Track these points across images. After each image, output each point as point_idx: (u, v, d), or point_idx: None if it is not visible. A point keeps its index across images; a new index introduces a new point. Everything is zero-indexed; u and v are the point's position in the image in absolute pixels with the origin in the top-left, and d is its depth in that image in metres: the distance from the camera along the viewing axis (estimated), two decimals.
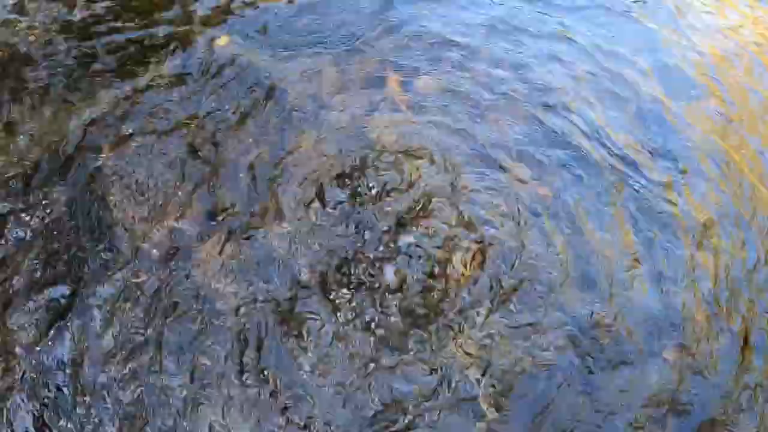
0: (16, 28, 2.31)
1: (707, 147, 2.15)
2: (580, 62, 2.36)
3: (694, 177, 2.05)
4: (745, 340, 1.74)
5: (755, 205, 1.99)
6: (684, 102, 2.30)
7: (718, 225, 1.93)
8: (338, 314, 1.66)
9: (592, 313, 1.73)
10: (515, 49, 2.35)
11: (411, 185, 1.88)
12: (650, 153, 2.10)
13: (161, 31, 2.28)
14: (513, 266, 1.77)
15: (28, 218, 1.75)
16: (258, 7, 2.39)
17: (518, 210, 1.86)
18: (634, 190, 1.97)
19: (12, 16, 2.35)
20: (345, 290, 1.70)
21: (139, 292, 1.66)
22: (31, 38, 2.27)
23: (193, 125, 1.96)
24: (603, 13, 2.61)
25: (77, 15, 2.36)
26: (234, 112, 2.01)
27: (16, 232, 1.73)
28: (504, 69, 2.27)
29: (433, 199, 1.85)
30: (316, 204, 1.83)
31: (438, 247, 1.78)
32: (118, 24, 2.31)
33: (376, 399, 1.56)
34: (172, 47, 2.21)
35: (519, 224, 1.84)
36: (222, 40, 2.22)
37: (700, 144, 2.15)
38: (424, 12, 2.44)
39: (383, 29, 2.33)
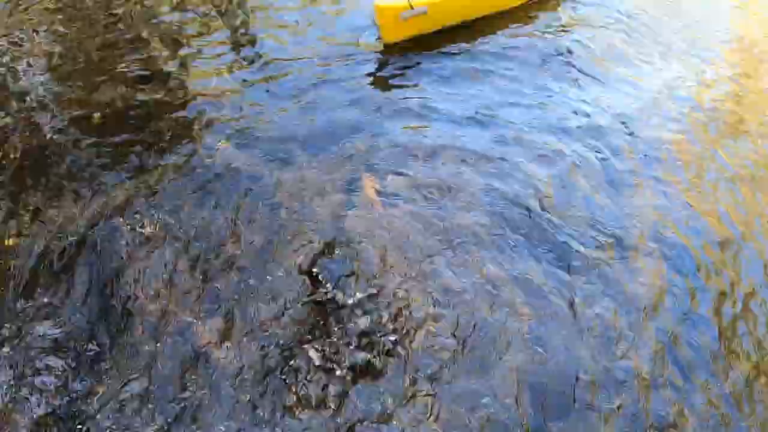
0: (40, 127, 2.59)
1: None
2: (533, 153, 2.66)
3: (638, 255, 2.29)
4: None
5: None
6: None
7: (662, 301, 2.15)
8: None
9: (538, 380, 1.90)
10: (473, 148, 2.65)
11: (381, 268, 2.10)
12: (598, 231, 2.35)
13: (168, 134, 2.59)
14: (468, 337, 1.96)
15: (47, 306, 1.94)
16: (255, 115, 2.72)
17: (474, 287, 2.08)
18: (580, 266, 2.20)
19: (35, 115, 2.65)
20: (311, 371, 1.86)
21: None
22: (56, 136, 2.54)
23: (197, 221, 2.20)
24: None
25: (95, 117, 2.65)
26: (231, 209, 2.26)
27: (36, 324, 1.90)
28: (463, 164, 2.56)
29: (400, 281, 2.06)
30: (303, 284, 2.03)
31: (401, 325, 1.97)
32: (130, 124, 2.63)
33: None
34: (179, 148, 2.50)
35: (476, 299, 2.05)
36: (223, 143, 2.51)
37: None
38: (397, 124, 2.75)
39: (362, 136, 2.64)
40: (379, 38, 3.11)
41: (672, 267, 2.28)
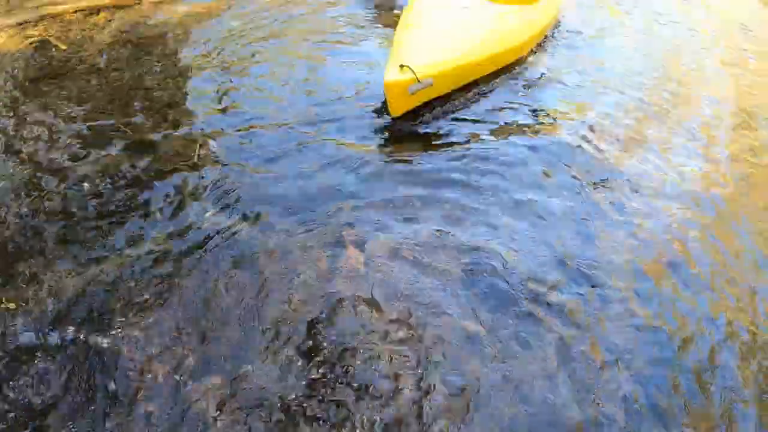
0: (32, 193, 2.71)
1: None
2: (516, 223, 2.78)
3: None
4: None
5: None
6: None
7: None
8: None
9: None
10: (455, 216, 2.78)
11: (364, 331, 2.19)
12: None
13: (156, 202, 2.70)
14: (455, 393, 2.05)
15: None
16: (240, 180, 2.85)
17: (449, 346, 2.17)
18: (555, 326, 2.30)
19: (28, 190, 2.76)
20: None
21: None
22: (47, 203, 2.66)
23: (185, 287, 2.29)
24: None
25: (85, 187, 2.76)
26: (218, 275, 2.35)
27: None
28: (443, 226, 2.70)
29: (381, 342, 2.15)
30: (287, 348, 2.11)
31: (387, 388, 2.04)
32: (120, 193, 2.74)
33: None
34: (168, 216, 2.62)
35: (453, 358, 2.14)
36: (210, 212, 2.63)
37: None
38: (378, 184, 2.91)
39: (345, 198, 2.78)
40: (386, 113, 3.23)
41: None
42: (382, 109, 3.38)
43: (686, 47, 5.07)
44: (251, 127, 3.25)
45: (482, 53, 3.53)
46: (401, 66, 3.03)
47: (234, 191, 2.75)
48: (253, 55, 4.06)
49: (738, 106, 4.10)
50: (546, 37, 4.47)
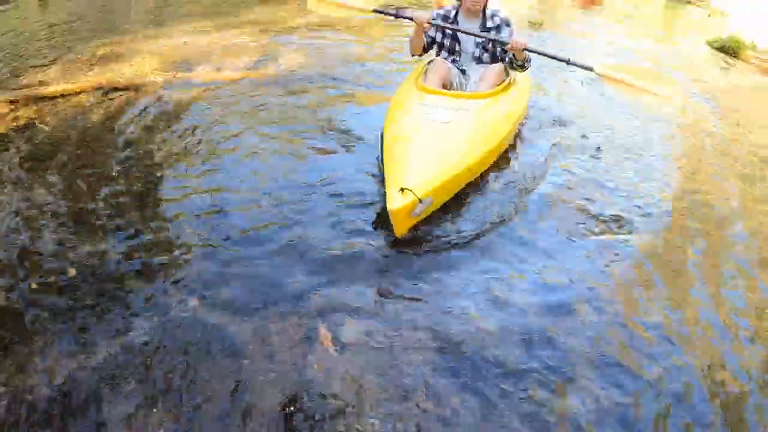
0: (20, 278, 2.79)
1: None
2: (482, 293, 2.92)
3: None
4: None
5: None
6: None
7: None
8: None
9: None
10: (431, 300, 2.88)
11: (339, 414, 2.24)
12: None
13: (139, 291, 2.78)
14: None
15: None
16: (221, 271, 2.94)
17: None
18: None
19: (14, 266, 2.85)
20: None
21: None
22: (34, 287, 2.74)
23: (171, 376, 2.35)
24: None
25: (70, 272, 2.85)
26: (201, 363, 2.42)
27: None
28: (410, 310, 2.80)
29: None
30: None
31: None
32: (103, 280, 2.82)
33: None
34: (149, 304, 2.69)
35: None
36: (193, 302, 2.69)
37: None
38: (353, 271, 3.01)
39: (316, 286, 2.87)
40: (393, 237, 3.22)
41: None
42: (357, 201, 3.53)
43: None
44: (235, 220, 3.37)
45: (471, 156, 3.62)
46: (402, 189, 3.03)
47: (215, 280, 2.83)
48: (233, 141, 4.26)
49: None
50: (522, 124, 4.69)
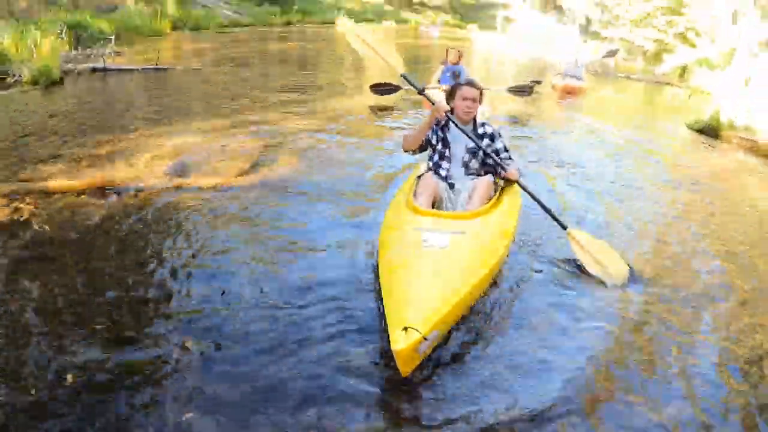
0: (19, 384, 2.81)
1: None
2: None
3: None
4: None
5: None
6: None
7: None
8: None
9: None
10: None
11: None
12: None
13: (136, 399, 2.81)
14: None
15: None
16: (216, 381, 2.97)
17: None
18: None
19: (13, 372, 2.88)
20: None
21: None
22: (33, 390, 2.75)
23: None
24: None
25: (69, 378, 2.88)
26: None
27: None
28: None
29: None
30: None
31: None
32: (101, 388, 2.84)
33: None
34: (141, 420, 2.72)
35: None
36: (187, 414, 2.74)
37: None
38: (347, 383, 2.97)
39: (313, 399, 2.85)
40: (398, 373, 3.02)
41: None
42: (354, 329, 3.47)
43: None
44: (214, 316, 3.47)
45: (472, 280, 3.51)
46: (405, 329, 2.87)
47: (211, 391, 2.89)
48: (225, 247, 4.39)
49: None
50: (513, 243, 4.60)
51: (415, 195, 4.33)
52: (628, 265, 4.39)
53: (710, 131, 11.29)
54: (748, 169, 9.24)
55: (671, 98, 18.08)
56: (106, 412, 2.71)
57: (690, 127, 11.74)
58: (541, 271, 4.39)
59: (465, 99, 4.45)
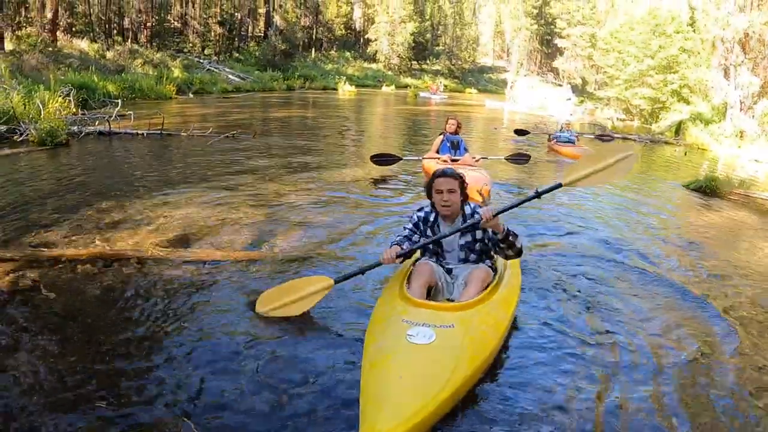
0: None
1: None
2: None
3: None
4: None
5: None
6: None
7: None
8: None
9: None
10: None
11: None
12: None
13: None
14: None
15: None
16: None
17: None
18: None
19: None
20: None
21: None
22: None
23: None
24: None
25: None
26: None
27: None
28: None
29: None
30: None
31: None
32: None
33: None
34: None
35: None
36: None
37: None
38: None
39: None
40: None
41: None
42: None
43: None
44: (207, 402, 3.46)
45: (456, 381, 3.24)
46: None
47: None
48: (223, 326, 4.40)
49: None
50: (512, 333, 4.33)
51: (409, 281, 4.12)
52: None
53: (707, 190, 11.42)
54: (746, 225, 9.47)
55: (668, 156, 18.38)
56: None
57: (687, 187, 11.88)
58: (540, 362, 4.00)
59: (439, 192, 4.14)
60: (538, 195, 4.10)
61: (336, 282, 4.38)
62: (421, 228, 4.32)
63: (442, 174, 4.16)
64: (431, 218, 4.27)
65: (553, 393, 3.66)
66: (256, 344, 4.17)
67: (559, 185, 4.13)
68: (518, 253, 4.19)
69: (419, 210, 4.38)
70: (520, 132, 17.75)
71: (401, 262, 4.31)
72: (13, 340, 3.92)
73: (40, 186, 8.05)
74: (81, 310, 4.45)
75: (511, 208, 4.15)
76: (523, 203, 4.27)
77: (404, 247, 4.17)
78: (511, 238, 4.05)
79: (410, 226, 4.37)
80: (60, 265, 5.20)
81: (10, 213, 6.60)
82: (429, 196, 4.27)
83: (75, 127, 12.42)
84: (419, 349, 3.34)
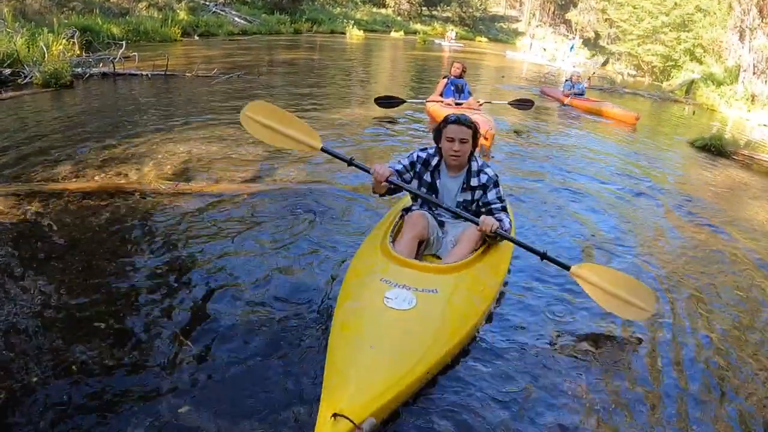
0: (22, 371, 2.95)
1: None
2: None
3: None
4: None
5: None
6: None
7: None
8: None
9: None
10: None
11: None
12: None
13: (133, 396, 2.94)
14: None
15: None
16: (212, 379, 3.11)
17: None
18: None
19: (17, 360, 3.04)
20: None
21: None
22: (33, 379, 2.90)
23: None
24: None
25: (73, 368, 3.03)
26: None
27: None
28: None
29: None
30: None
31: None
32: (101, 383, 2.99)
33: None
34: (142, 412, 2.85)
35: None
36: (183, 407, 2.88)
37: None
38: None
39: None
40: None
41: None
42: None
43: None
44: (208, 320, 3.60)
45: (434, 354, 2.95)
46: (334, 416, 2.36)
47: (206, 386, 3.03)
48: (225, 254, 4.51)
49: None
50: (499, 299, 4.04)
51: (398, 231, 3.90)
52: (651, 290, 3.90)
53: (713, 149, 11.41)
54: (747, 186, 9.44)
55: (677, 114, 18.20)
56: (104, 403, 2.86)
57: (693, 145, 11.87)
58: (525, 328, 3.76)
59: (450, 140, 3.82)
60: (542, 257, 3.75)
61: (322, 150, 4.06)
62: (418, 169, 4.02)
63: (457, 121, 3.79)
64: (433, 162, 3.96)
65: (542, 369, 3.39)
66: (255, 270, 4.31)
67: (567, 268, 3.78)
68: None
69: (422, 150, 4.04)
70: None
71: (385, 192, 3.99)
72: (21, 267, 4.06)
73: (44, 125, 8.10)
74: (83, 240, 4.58)
75: (512, 241, 3.85)
76: (524, 247, 3.86)
77: (395, 178, 3.87)
78: (498, 238, 3.81)
79: (405, 162, 4.04)
80: (64, 198, 5.30)
81: (14, 150, 6.67)
82: (436, 140, 3.94)
83: (79, 69, 12.35)
84: (397, 315, 3.02)
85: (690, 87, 25.54)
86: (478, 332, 3.54)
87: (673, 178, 9.09)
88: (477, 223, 3.72)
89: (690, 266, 5.38)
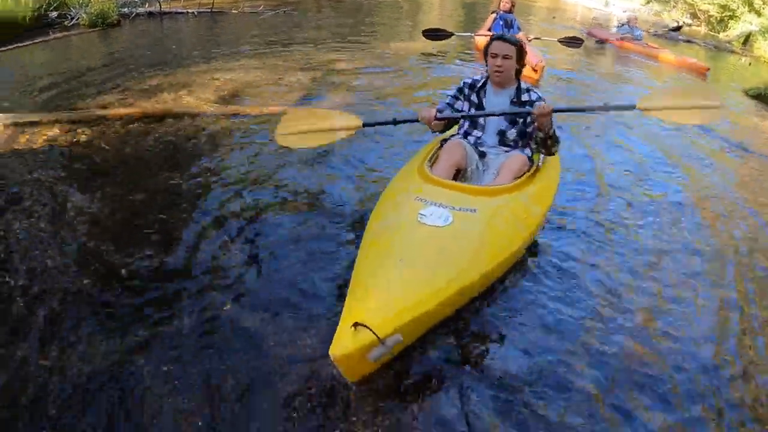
0: (73, 273, 3.02)
1: None
2: None
3: None
4: None
5: None
6: None
7: None
8: None
9: None
10: None
11: None
12: None
13: (181, 297, 2.98)
14: None
15: None
16: (256, 277, 3.14)
17: None
18: None
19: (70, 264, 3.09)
20: None
21: None
22: (86, 281, 2.95)
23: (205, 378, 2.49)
24: None
25: (122, 273, 3.07)
26: (239, 371, 2.53)
27: None
28: None
29: None
30: None
31: None
32: (148, 285, 3.04)
33: None
34: (190, 307, 2.88)
35: None
36: (227, 305, 2.89)
37: None
38: None
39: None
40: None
41: None
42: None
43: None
44: (255, 228, 3.62)
45: (468, 275, 2.70)
46: (355, 325, 2.17)
47: (252, 287, 3.03)
48: (270, 174, 4.49)
49: None
50: (544, 226, 3.80)
51: (436, 160, 3.69)
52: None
53: (767, 98, 10.88)
54: None
55: (732, 65, 17.28)
56: (151, 299, 2.91)
57: (747, 94, 11.29)
58: (575, 259, 3.57)
59: (494, 56, 3.71)
60: (606, 108, 3.58)
61: (364, 125, 3.82)
62: (466, 92, 3.93)
63: (501, 37, 3.73)
64: (479, 83, 3.87)
65: (586, 304, 3.15)
66: (301, 183, 4.27)
67: (633, 107, 3.55)
68: (549, 153, 3.79)
69: (468, 78, 3.99)
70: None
71: (438, 128, 3.84)
72: (75, 183, 4.10)
73: (92, 60, 8.13)
74: (132, 159, 4.62)
75: (570, 110, 3.83)
76: (585, 110, 3.71)
77: (445, 113, 3.79)
78: (549, 142, 3.66)
79: (454, 91, 3.98)
80: (112, 124, 5.32)
81: (66, 83, 6.72)
82: (485, 58, 3.84)
83: (125, 9, 12.33)
84: (431, 231, 2.77)
85: (747, 39, 24.17)
86: (520, 260, 3.31)
87: (723, 125, 8.50)
88: (530, 114, 3.56)
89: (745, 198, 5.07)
